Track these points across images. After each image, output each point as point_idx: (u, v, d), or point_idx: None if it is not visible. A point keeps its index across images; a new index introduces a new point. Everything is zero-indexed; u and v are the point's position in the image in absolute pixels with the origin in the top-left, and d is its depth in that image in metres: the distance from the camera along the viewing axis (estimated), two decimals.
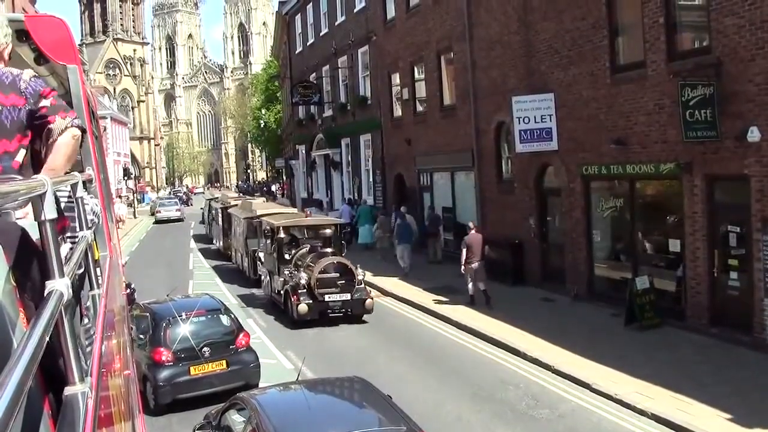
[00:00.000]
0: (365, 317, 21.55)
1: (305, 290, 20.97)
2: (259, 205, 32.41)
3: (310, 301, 20.74)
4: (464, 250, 21.96)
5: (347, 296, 21.09)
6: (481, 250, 21.92)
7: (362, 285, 21.71)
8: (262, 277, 25.87)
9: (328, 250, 23.26)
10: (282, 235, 23.57)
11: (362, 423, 9.12)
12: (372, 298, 21.65)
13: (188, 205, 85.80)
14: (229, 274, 31.85)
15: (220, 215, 39.12)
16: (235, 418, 9.82)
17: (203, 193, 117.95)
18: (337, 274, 21.40)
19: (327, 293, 20.96)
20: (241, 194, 66.05)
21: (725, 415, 12.31)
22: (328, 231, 24.22)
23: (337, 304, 21.05)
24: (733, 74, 15.50)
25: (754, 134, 14.95)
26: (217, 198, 46.82)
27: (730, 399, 12.84)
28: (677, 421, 12.39)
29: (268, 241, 24.34)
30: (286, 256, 23.29)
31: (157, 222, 64.17)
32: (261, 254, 26.25)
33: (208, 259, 37.93)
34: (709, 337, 16.51)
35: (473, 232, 22.27)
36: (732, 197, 16.47)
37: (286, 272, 22.13)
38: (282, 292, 22.38)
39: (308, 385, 11.12)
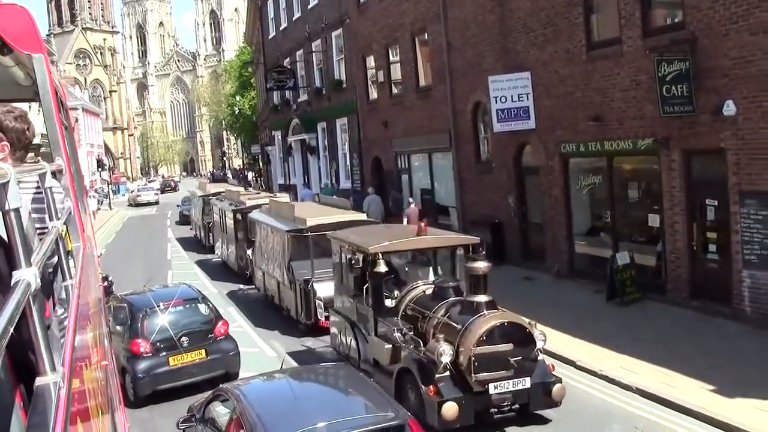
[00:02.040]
0: (545, 411, 12.30)
1: (448, 374, 11.72)
2: (305, 210, 21.57)
3: (461, 395, 11.54)
4: (405, 221, 24.29)
5: (525, 382, 11.75)
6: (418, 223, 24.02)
7: (541, 357, 12.37)
8: (335, 331, 15.89)
9: (482, 298, 12.13)
10: (383, 268, 13.35)
11: (349, 410, 9.00)
12: (561, 381, 12.14)
13: (176, 191, 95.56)
14: (255, 308, 22.17)
15: (231, 221, 28.12)
16: (220, 410, 9.70)
17: (179, 181, 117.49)
18: (509, 346, 11.75)
19: (492, 380, 11.62)
20: (249, 188, 60.93)
21: (708, 386, 12.39)
22: (481, 264, 12.36)
23: (506, 397, 11.75)
24: (708, 49, 15.52)
25: (729, 108, 15.00)
26: (221, 195, 33.86)
27: (712, 371, 12.91)
28: (662, 395, 12.44)
29: (352, 276, 14.79)
30: (389, 303, 14.10)
31: (137, 205, 74.00)
32: (322, 288, 17.82)
33: (215, 280, 27.45)
34: (689, 309, 16.59)
35: (412, 206, 24.84)
36: (709, 171, 16.51)
37: (397, 334, 12.74)
38: (394, 370, 12.71)
39: (292, 373, 11.02)
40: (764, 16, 14.26)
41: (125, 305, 15.71)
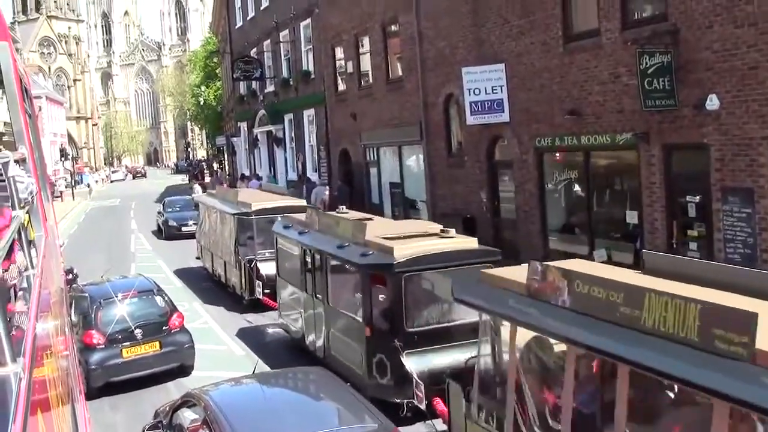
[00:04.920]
0: None
1: None
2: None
3: None
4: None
5: None
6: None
7: None
8: None
9: None
10: None
11: (327, 421, 8.38)
12: None
13: (145, 177, 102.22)
14: None
15: (350, 282, 14.12)
16: (187, 416, 9.16)
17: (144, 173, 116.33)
18: None
19: None
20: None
21: None
22: None
23: None
24: (690, 41, 15.18)
25: (713, 102, 14.66)
26: (288, 217, 18.83)
27: None
28: None
29: None
30: None
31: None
32: None
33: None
34: None
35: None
36: (690, 167, 16.16)
37: None
38: None
39: (264, 378, 10.45)
40: (749, 8, 13.95)
41: (86, 295, 15.45)
